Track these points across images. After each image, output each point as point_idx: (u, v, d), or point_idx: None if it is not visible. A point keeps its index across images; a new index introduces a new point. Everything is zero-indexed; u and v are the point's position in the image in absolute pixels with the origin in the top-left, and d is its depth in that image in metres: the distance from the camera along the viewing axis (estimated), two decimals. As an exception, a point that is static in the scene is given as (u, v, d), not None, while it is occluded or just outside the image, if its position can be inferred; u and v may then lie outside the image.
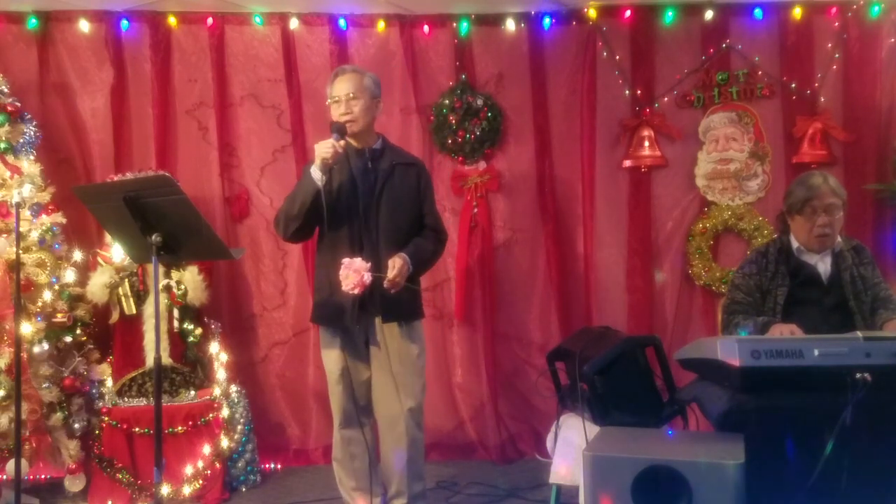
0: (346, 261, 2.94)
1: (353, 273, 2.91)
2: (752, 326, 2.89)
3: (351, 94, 3.11)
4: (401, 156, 3.30)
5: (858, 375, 2.26)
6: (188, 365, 4.10)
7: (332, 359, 3.20)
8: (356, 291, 2.92)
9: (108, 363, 4.08)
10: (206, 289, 4.12)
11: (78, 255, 4.00)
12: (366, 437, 3.24)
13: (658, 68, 4.55)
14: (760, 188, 4.53)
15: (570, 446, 3.00)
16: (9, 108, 3.93)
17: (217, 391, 4.01)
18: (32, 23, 4.29)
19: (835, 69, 4.51)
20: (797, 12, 4.46)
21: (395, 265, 3.01)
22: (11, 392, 3.50)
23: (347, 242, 3.09)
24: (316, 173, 3.00)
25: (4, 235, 3.78)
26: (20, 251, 3.44)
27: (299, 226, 3.10)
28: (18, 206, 3.43)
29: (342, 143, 3.02)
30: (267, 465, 4.37)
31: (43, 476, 4.01)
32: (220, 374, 4.10)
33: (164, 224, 2.55)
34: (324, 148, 2.98)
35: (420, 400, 3.22)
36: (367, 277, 2.91)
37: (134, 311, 4.00)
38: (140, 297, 4.01)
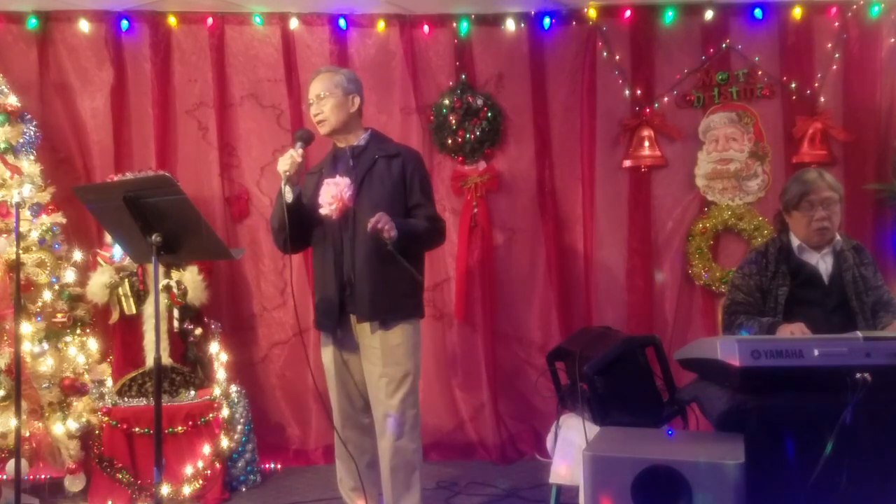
0: (328, 179, 2.86)
1: (332, 186, 2.80)
2: (756, 328, 2.88)
3: (321, 94, 3.02)
4: (385, 148, 3.10)
5: (858, 375, 2.25)
6: (188, 365, 4.11)
7: (327, 357, 3.17)
8: (333, 208, 2.82)
9: (108, 363, 4.09)
10: (206, 289, 4.12)
11: (78, 255, 4.00)
12: (366, 437, 3.20)
13: (658, 68, 4.55)
14: (760, 188, 4.53)
15: (570, 446, 2.99)
16: (9, 108, 3.94)
17: (217, 391, 4.01)
18: (32, 23, 4.29)
19: (835, 69, 4.51)
20: (797, 12, 4.46)
21: (374, 216, 2.82)
22: (11, 392, 3.50)
23: (331, 243, 3.00)
24: (285, 189, 2.89)
25: (4, 235, 3.78)
26: (20, 251, 3.44)
27: (286, 238, 2.95)
28: (18, 206, 3.42)
29: (301, 151, 2.90)
30: (267, 465, 4.37)
31: (43, 476, 4.00)
32: (220, 374, 4.10)
33: (164, 224, 2.54)
34: (281, 162, 2.89)
35: (403, 407, 3.01)
36: (347, 194, 2.83)
37: (134, 311, 4.01)
38: (140, 297, 4.02)
